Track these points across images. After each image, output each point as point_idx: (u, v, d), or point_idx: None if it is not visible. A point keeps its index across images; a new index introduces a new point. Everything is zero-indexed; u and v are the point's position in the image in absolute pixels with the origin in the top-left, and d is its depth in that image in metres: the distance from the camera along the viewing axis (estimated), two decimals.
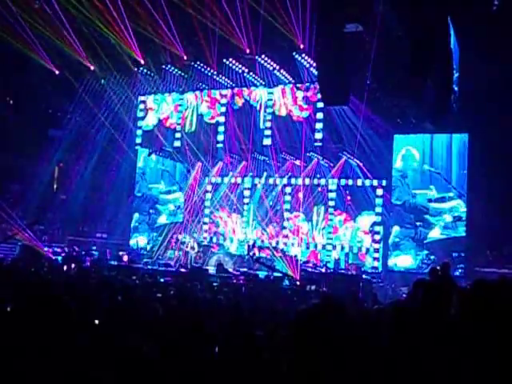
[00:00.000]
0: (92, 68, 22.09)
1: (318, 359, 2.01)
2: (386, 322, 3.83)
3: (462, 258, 18.56)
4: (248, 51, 19.17)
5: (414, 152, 20.04)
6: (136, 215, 26.31)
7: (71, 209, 24.55)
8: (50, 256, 18.99)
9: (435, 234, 19.44)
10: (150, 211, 26.32)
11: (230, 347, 4.14)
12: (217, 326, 4.66)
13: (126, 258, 20.37)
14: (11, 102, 23.01)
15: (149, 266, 19.37)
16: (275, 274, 17.36)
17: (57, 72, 22.13)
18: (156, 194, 26.44)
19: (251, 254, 20.49)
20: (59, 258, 18.97)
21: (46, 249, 19.83)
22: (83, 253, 20.54)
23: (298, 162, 22.03)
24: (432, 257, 19.12)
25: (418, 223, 19.73)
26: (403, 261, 19.66)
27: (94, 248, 21.56)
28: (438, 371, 2.82)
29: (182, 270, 18.37)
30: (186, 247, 22.12)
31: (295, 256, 20.91)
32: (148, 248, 23.79)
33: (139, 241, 24.86)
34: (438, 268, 9.82)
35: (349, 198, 21.55)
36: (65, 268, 16.00)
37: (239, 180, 23.90)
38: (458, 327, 2.95)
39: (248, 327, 4.44)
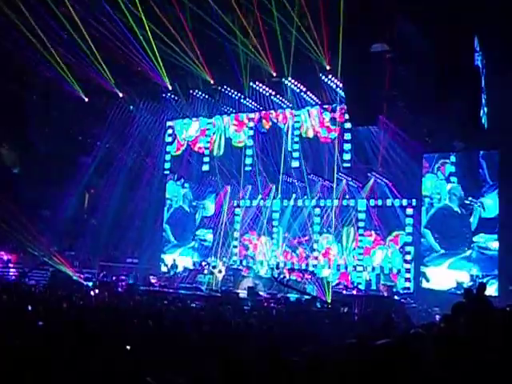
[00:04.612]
0: (121, 95, 22.37)
1: None
2: (426, 348, 3.74)
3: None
4: (275, 74, 19.24)
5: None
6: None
7: (101, 234, 24.66)
8: (81, 282, 19.11)
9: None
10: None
11: (266, 374, 4.08)
12: (251, 353, 4.59)
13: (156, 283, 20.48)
14: (40, 130, 23.30)
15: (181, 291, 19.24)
16: (305, 297, 17.23)
17: (86, 99, 22.44)
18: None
19: (281, 276, 20.36)
20: (90, 283, 19.06)
21: (77, 274, 19.96)
22: (114, 278, 20.63)
23: (326, 184, 21.90)
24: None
25: None
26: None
27: (125, 274, 21.59)
28: None
29: (213, 293, 18.32)
30: (214, 270, 22.12)
31: (325, 278, 20.72)
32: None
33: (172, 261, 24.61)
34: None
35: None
36: (92, 293, 16.08)
37: (268, 203, 23.81)
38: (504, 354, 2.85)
39: (282, 353, 4.37)
